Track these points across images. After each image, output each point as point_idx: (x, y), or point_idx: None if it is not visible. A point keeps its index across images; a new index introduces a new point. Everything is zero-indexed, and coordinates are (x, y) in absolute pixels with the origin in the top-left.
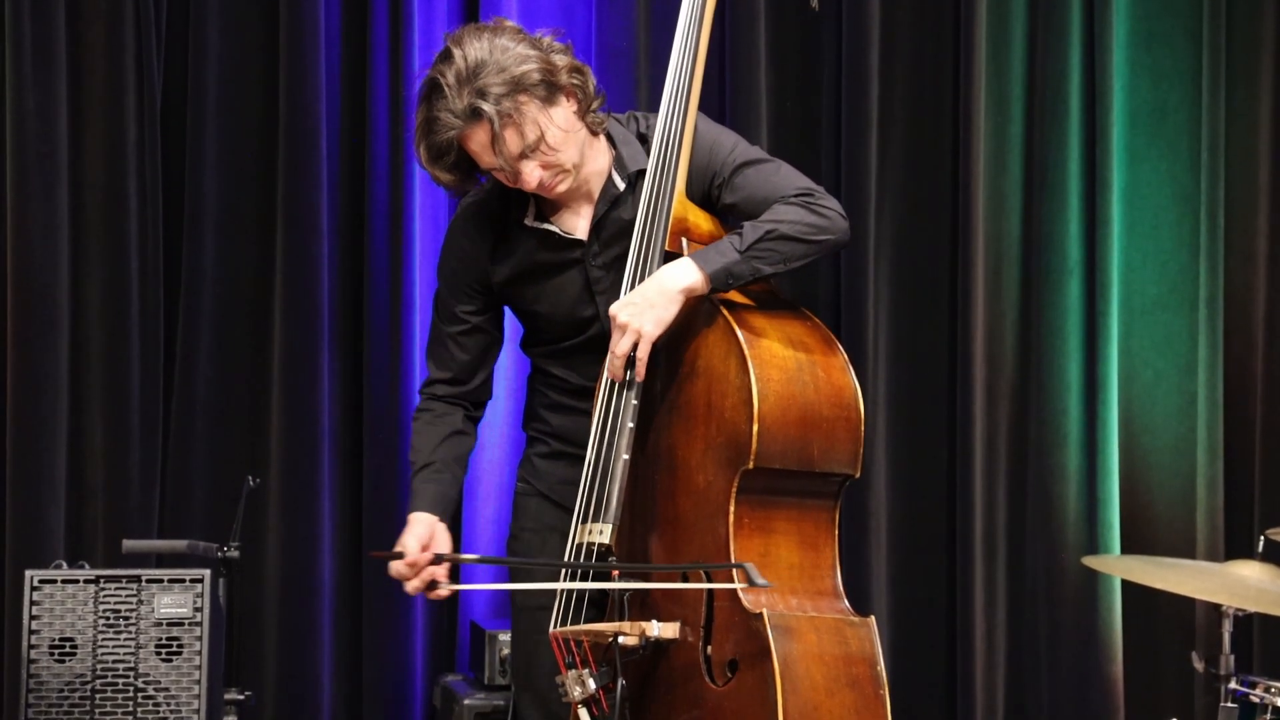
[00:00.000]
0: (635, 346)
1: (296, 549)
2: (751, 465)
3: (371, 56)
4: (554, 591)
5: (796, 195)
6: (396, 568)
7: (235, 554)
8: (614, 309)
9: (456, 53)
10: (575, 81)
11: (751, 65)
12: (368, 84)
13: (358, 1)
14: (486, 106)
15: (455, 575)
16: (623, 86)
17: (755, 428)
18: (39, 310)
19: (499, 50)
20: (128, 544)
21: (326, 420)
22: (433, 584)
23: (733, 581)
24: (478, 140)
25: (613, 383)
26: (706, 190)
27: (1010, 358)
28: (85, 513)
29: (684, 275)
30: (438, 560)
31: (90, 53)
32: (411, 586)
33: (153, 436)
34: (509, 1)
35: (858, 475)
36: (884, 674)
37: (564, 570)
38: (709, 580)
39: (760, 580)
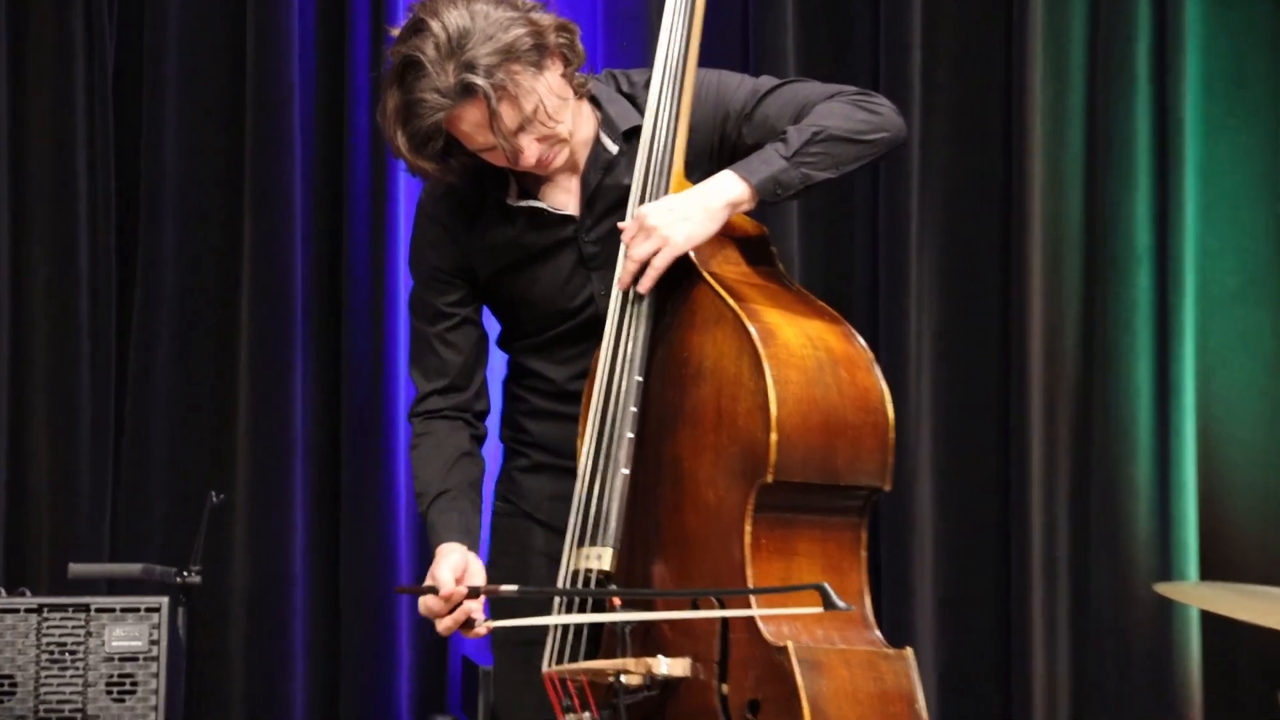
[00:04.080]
0: (654, 255)
1: (266, 573)
2: (770, 479)
3: (351, 16)
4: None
5: (840, 95)
6: (428, 604)
7: (196, 579)
8: (643, 209)
9: (433, 24)
10: (562, 41)
11: (777, 27)
12: (346, 47)
13: None
14: (479, 81)
15: None
16: (634, 50)
17: (773, 437)
18: None
19: (480, 16)
20: (75, 568)
21: (299, 427)
22: (468, 621)
23: (805, 605)
24: (470, 120)
25: (610, 369)
26: (719, 141)
27: (1071, 357)
28: (27, 532)
29: (727, 188)
30: (473, 594)
31: (33, 12)
32: (444, 625)
33: (104, 446)
34: None
35: (888, 488)
36: (924, 711)
37: (558, 599)
38: (720, 606)
39: (840, 603)
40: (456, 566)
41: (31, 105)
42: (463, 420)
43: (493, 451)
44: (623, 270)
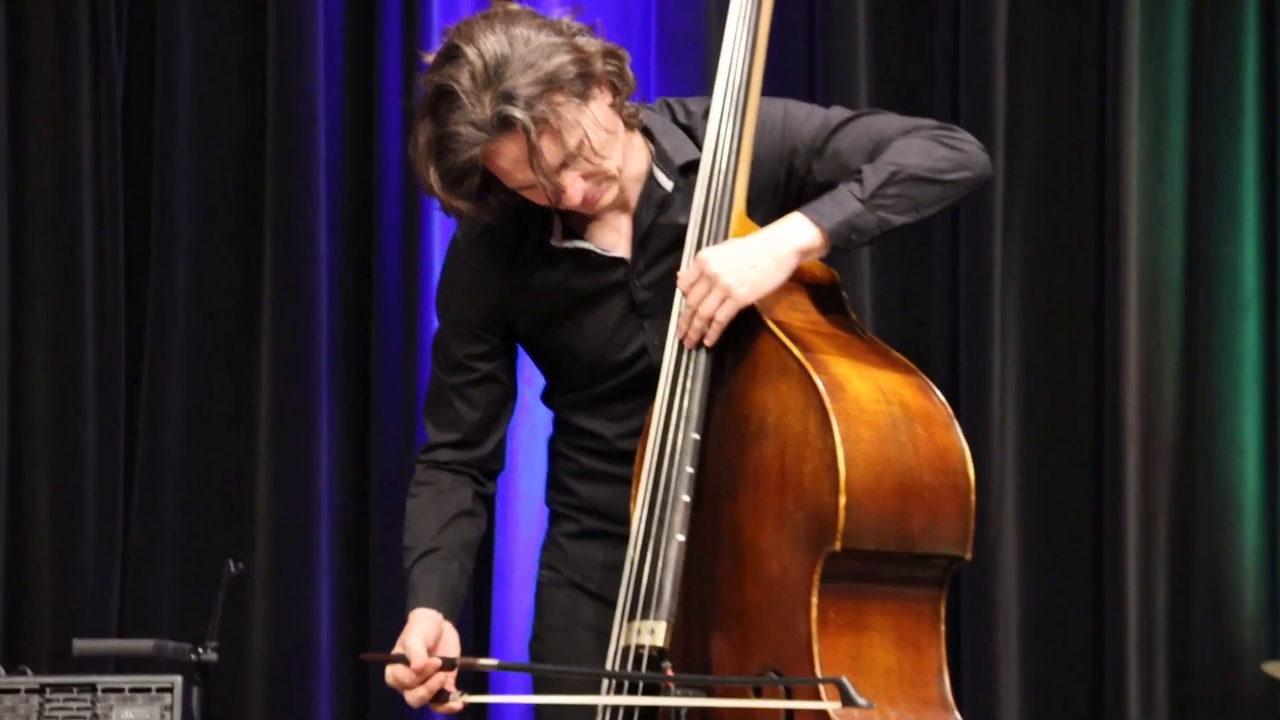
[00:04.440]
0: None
1: (288, 650)
2: (838, 546)
3: (381, 39)
4: (590, 708)
5: (919, 129)
6: (397, 674)
7: (213, 656)
8: (704, 255)
9: (468, 51)
10: (610, 68)
11: (847, 48)
12: (376, 73)
13: None
14: (517, 113)
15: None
16: (690, 76)
17: (842, 500)
18: None
19: (520, 42)
20: (80, 644)
21: (325, 488)
22: (441, 694)
23: (819, 699)
24: (508, 155)
25: (665, 426)
26: (785, 176)
27: (1171, 412)
28: (27, 605)
29: (797, 233)
30: (448, 665)
31: (35, 35)
32: (415, 697)
33: (111, 509)
34: None
35: (968, 557)
36: None
37: (607, 680)
38: (787, 694)
39: (860, 700)
40: (428, 635)
41: (32, 135)
42: (470, 476)
43: (538, 515)
44: (682, 322)
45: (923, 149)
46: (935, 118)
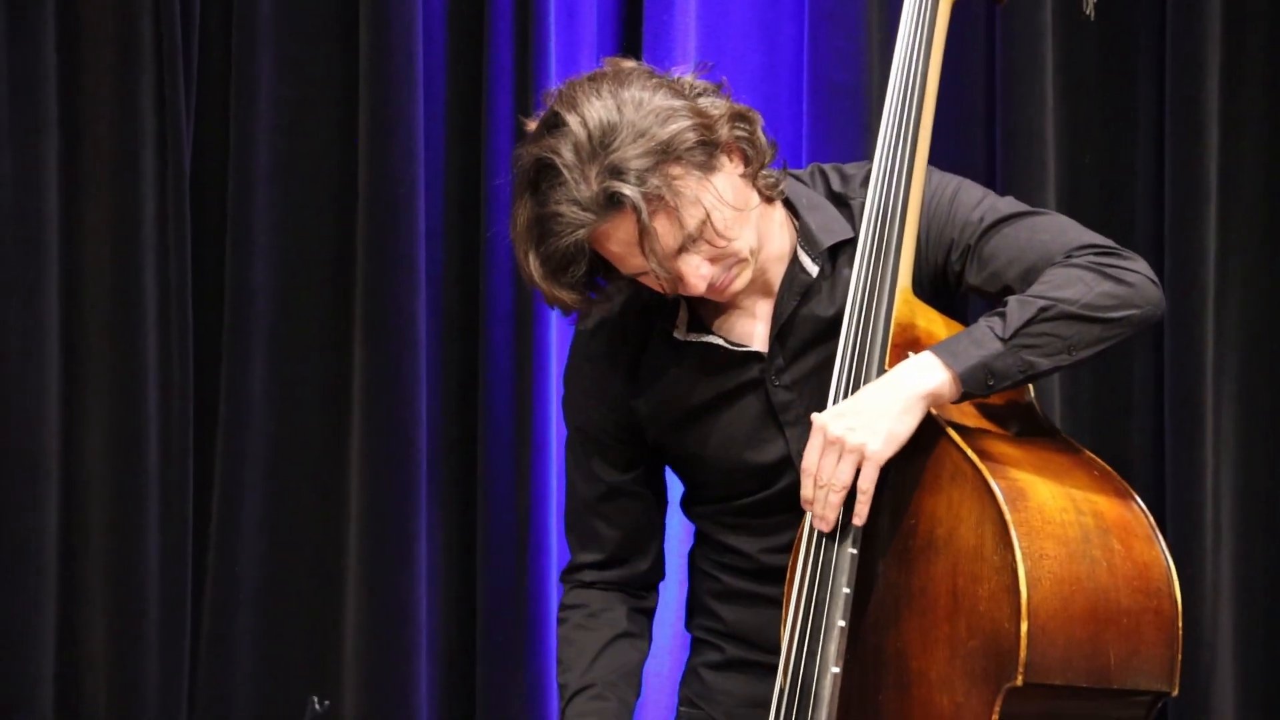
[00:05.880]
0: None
1: None
2: (1020, 681)
3: (490, 100)
4: None
5: (1081, 252)
6: None
7: None
8: (820, 420)
9: (571, 120)
10: (740, 133)
11: (1033, 100)
12: (483, 138)
13: (469, 27)
14: (626, 189)
15: None
16: (846, 133)
17: (1024, 626)
18: (18, 459)
19: (630, 107)
20: None
21: (424, 614)
22: None
23: None
24: (618, 238)
25: (817, 539)
26: (941, 268)
27: None
28: None
29: (924, 375)
30: None
31: (92, 94)
32: None
33: (177, 640)
34: (685, 19)
35: (1174, 693)
36: None
37: None
38: None
39: None
40: None
41: (88, 211)
42: (624, 592)
43: (665, 644)
44: (817, 504)
45: (1082, 279)
46: (1138, 183)
